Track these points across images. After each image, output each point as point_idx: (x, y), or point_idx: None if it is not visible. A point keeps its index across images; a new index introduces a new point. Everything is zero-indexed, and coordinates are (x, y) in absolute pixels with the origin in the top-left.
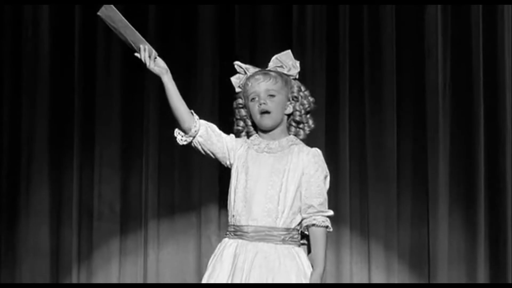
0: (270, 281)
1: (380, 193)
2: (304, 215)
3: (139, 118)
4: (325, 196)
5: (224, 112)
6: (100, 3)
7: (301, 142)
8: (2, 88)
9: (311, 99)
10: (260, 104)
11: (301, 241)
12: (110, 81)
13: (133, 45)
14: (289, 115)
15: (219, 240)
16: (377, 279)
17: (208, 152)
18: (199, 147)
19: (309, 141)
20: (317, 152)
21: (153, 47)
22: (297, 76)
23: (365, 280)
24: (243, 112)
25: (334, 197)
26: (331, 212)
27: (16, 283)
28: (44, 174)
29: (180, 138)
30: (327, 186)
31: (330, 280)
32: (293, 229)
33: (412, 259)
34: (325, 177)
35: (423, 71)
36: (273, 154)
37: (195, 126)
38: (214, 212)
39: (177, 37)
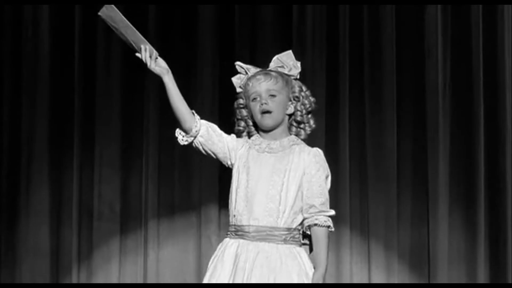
0: (271, 281)
1: (380, 193)
2: (306, 215)
3: (139, 118)
4: (327, 196)
5: (224, 112)
6: (101, 3)
7: (302, 142)
8: (2, 88)
9: (312, 99)
10: (261, 104)
11: (303, 241)
12: (110, 81)
13: (134, 45)
14: (290, 115)
15: (219, 240)
16: (377, 279)
17: (209, 152)
18: (200, 147)
19: (309, 141)
20: (318, 152)
21: (153, 47)
22: (298, 76)
23: (365, 280)
24: (244, 112)
25: (334, 197)
26: (333, 212)
27: (16, 283)
28: (44, 174)
29: (181, 138)
30: (329, 185)
31: (330, 280)
32: (295, 229)
33: (412, 259)
34: (327, 177)
35: (423, 71)
36: (274, 154)
37: (196, 126)
38: (214, 212)
39: (177, 37)
